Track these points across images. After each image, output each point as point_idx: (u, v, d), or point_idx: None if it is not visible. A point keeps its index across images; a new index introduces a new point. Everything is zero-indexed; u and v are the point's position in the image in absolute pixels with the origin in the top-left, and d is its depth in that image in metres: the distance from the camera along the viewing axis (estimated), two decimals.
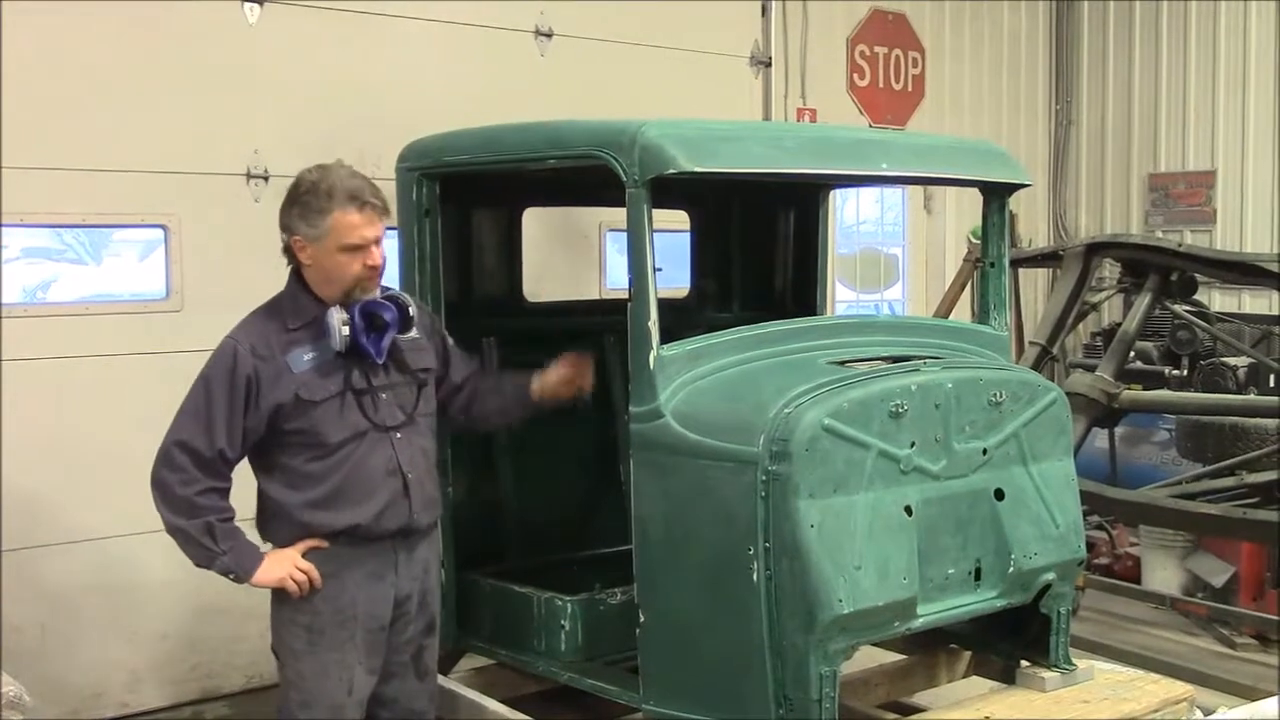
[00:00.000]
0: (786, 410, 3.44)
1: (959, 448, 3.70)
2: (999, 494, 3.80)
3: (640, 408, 3.65)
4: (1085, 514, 7.13)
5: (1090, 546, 7.35)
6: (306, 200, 3.53)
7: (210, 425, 3.48)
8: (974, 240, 7.46)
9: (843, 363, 3.78)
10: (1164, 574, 6.85)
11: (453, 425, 4.09)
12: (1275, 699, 2.91)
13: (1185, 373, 7.45)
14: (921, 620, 3.65)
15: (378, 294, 3.61)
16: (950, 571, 3.70)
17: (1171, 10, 8.97)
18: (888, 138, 4.38)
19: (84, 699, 5.34)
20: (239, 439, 3.51)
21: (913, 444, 3.59)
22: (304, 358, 3.53)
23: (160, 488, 3.52)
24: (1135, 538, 7.16)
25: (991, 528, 3.78)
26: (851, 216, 8.83)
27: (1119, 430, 7.17)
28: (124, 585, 5.40)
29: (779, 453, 3.38)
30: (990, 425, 3.77)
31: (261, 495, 3.65)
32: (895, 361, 3.87)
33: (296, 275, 3.65)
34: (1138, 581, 6.93)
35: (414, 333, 3.68)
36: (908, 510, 3.57)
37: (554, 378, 4.03)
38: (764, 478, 3.39)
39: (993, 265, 4.34)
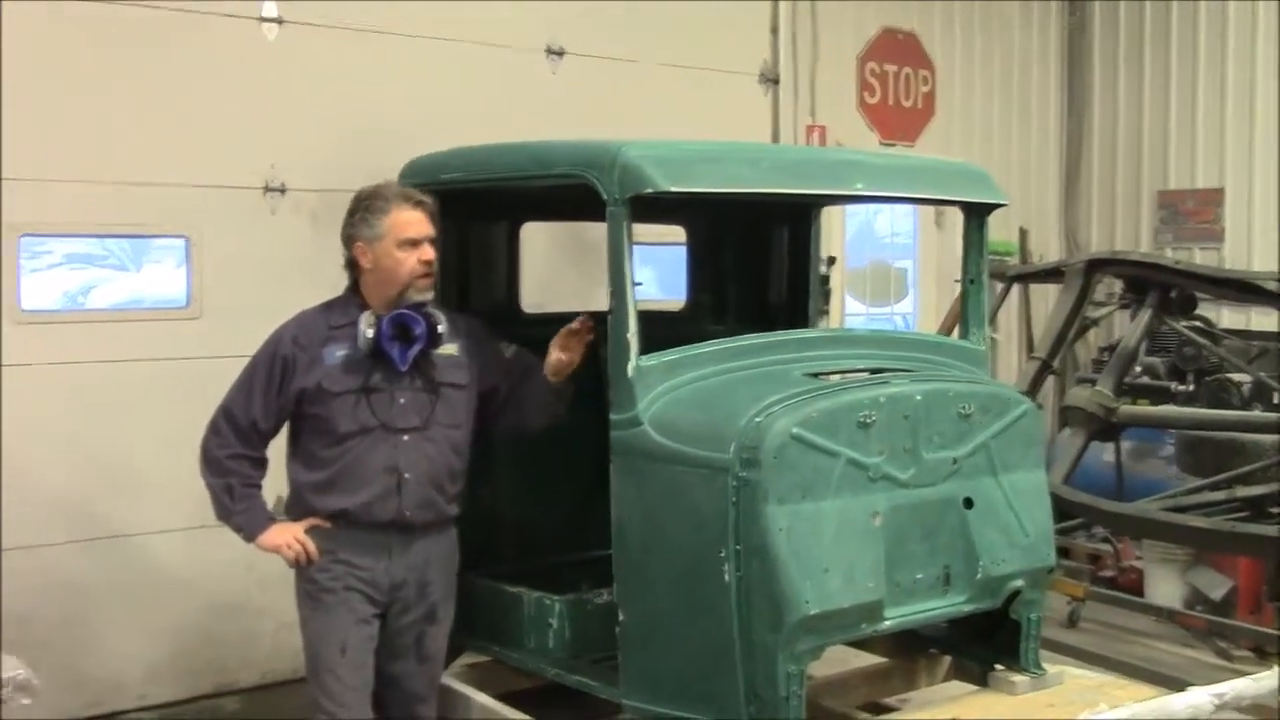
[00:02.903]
0: (757, 419, 3.58)
1: (928, 457, 3.83)
2: (968, 502, 3.92)
3: (620, 415, 3.83)
4: (1087, 526, 7.28)
5: (1095, 559, 7.48)
6: (367, 204, 3.93)
7: (249, 398, 3.94)
8: None
9: (817, 374, 3.93)
10: (1166, 587, 6.94)
11: (508, 431, 4.35)
12: (1178, 695, 3.04)
13: (1191, 388, 7.52)
14: (889, 622, 3.78)
15: (429, 295, 3.94)
16: (919, 576, 3.83)
17: (1180, 30, 9.04)
18: (866, 159, 4.51)
19: (103, 690, 5.52)
20: (272, 414, 3.95)
21: (881, 453, 3.72)
22: (337, 353, 3.90)
23: (202, 446, 4.00)
24: (1140, 551, 7.25)
25: (960, 535, 3.90)
26: (883, 229, 8.98)
27: (1126, 444, 7.26)
28: (143, 582, 5.58)
29: (749, 460, 3.53)
30: (960, 436, 3.90)
31: (288, 475, 4.04)
32: (869, 374, 4.02)
33: (354, 285, 4.02)
34: (1141, 594, 7.02)
35: (453, 349, 4.01)
36: (875, 516, 3.70)
37: (553, 358, 4.16)
38: (735, 483, 3.54)
39: (972, 282, 4.46)
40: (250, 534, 3.97)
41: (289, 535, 3.93)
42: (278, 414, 3.95)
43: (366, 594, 3.95)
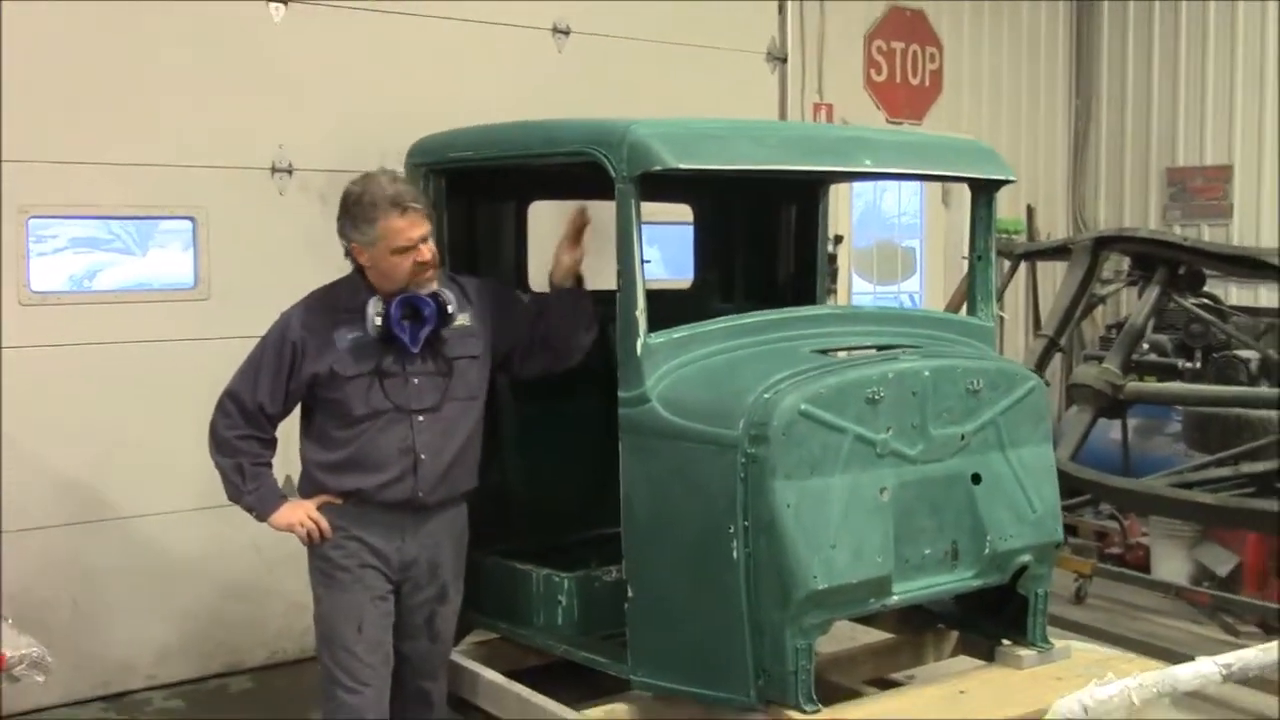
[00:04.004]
0: (765, 396, 3.59)
1: (936, 433, 3.83)
2: (976, 478, 3.92)
3: (628, 393, 3.83)
4: (1094, 503, 7.29)
5: (1103, 536, 7.48)
6: (355, 212, 3.85)
7: (256, 381, 3.91)
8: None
9: (825, 351, 3.93)
10: (1172, 563, 6.94)
11: (554, 363, 4.21)
12: (1185, 665, 3.06)
13: (1198, 365, 7.51)
14: (897, 597, 3.79)
15: (433, 286, 3.89)
16: (927, 551, 3.84)
17: (1190, 6, 9.00)
18: (872, 135, 4.50)
19: (113, 670, 5.59)
20: (281, 397, 3.92)
21: (889, 429, 3.72)
22: (347, 337, 3.87)
23: (210, 427, 3.97)
24: (1147, 528, 7.25)
25: (968, 510, 3.91)
26: (891, 209, 8.97)
27: (1134, 422, 7.26)
28: (152, 563, 5.64)
29: (757, 436, 3.54)
30: (968, 412, 3.90)
31: (300, 453, 4.03)
32: (878, 350, 4.02)
33: (359, 267, 3.96)
34: (1147, 570, 7.03)
35: (464, 319, 3.98)
36: (883, 492, 3.71)
37: (565, 262, 4.15)
38: (743, 460, 3.55)
39: (980, 258, 4.46)
40: (262, 513, 3.95)
41: (301, 513, 3.91)
42: (286, 399, 3.93)
43: (381, 570, 3.96)
